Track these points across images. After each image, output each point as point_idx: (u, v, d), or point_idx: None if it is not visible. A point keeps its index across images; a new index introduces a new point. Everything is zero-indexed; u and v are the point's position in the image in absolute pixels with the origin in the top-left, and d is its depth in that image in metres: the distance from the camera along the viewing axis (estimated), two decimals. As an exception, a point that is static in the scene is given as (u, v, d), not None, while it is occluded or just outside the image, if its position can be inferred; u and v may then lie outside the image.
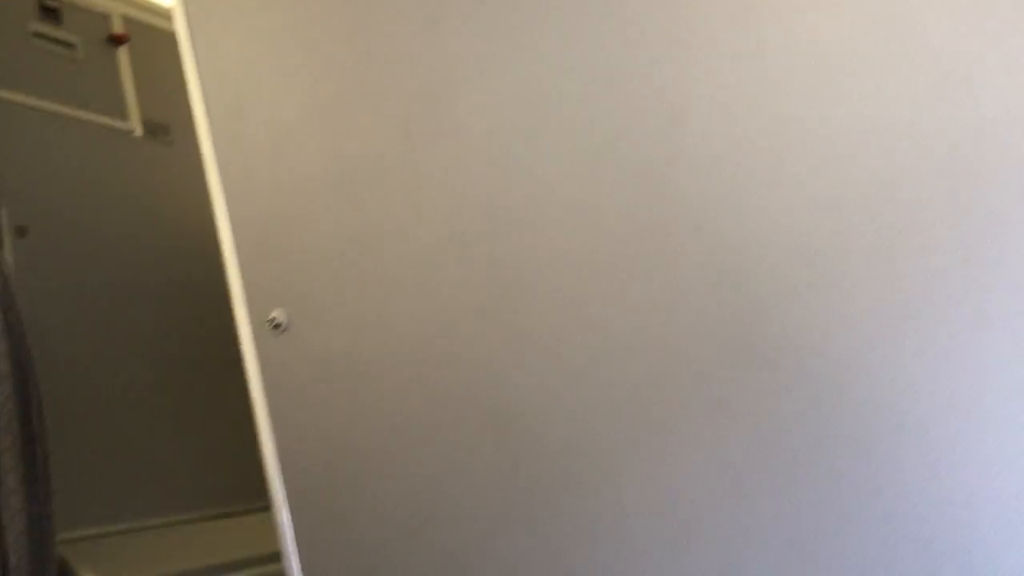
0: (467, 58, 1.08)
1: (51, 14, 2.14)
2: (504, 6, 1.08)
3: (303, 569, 1.19)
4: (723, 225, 0.90)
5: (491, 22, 1.08)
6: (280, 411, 1.14)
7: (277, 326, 1.12)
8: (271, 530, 1.50)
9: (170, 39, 2.44)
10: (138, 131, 2.27)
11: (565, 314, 1.00)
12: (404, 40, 1.14)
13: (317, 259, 1.12)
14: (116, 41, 2.27)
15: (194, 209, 2.30)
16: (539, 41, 1.04)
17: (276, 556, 1.17)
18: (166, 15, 2.46)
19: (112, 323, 2.04)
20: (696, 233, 0.92)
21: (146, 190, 2.24)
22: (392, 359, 1.07)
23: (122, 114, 2.24)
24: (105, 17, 2.28)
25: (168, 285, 2.21)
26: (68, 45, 2.17)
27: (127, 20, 2.33)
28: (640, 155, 0.95)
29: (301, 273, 1.12)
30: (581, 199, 1.00)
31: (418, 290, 1.07)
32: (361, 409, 1.09)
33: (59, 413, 1.87)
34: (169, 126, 2.35)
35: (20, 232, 1.92)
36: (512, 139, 1.03)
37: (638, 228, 0.96)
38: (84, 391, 1.94)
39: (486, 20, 1.08)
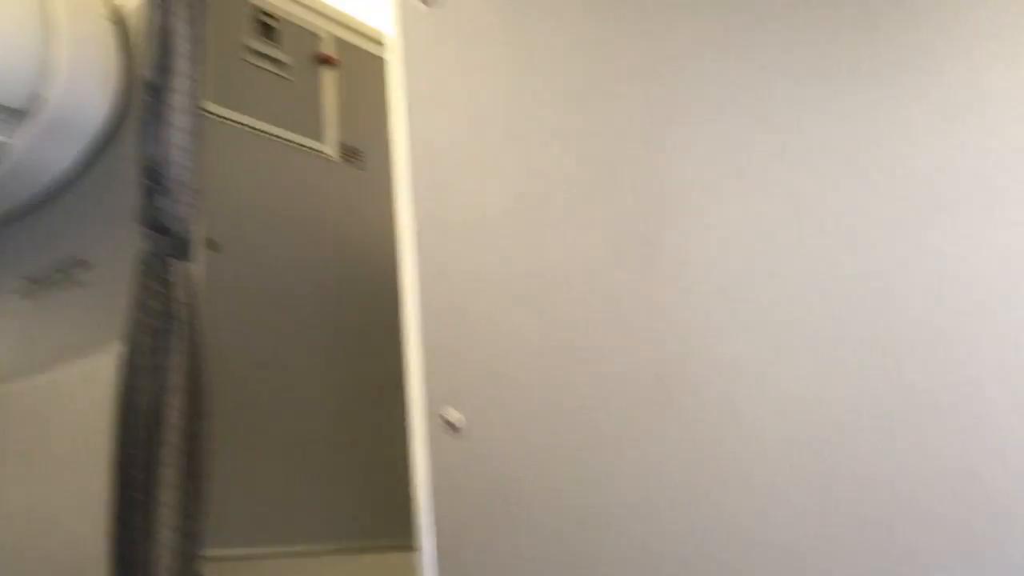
0: (691, 184, 0.98)
1: (267, 31, 2.18)
2: (743, 133, 0.97)
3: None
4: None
5: (723, 149, 0.97)
6: (445, 510, 1.07)
7: (450, 425, 1.05)
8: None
9: (375, 63, 2.45)
10: (333, 153, 2.28)
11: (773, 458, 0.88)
12: (627, 150, 1.06)
13: (500, 363, 1.05)
14: (324, 62, 2.30)
15: (381, 236, 2.30)
16: (778, 176, 0.92)
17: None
18: (376, 39, 2.47)
19: (289, 345, 2.05)
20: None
21: (336, 212, 2.25)
22: (572, 489, 0.98)
23: (320, 135, 2.26)
24: (317, 37, 2.31)
25: (346, 312, 2.21)
26: (279, 63, 2.20)
27: (337, 41, 2.36)
28: (898, 321, 0.82)
29: (482, 375, 1.05)
30: (814, 379, 0.88)
31: (602, 423, 0.98)
32: (532, 526, 1.01)
33: (222, 429, 1.89)
34: (363, 151, 2.36)
35: (212, 246, 1.96)
36: (730, 280, 0.92)
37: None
38: (250, 410, 1.96)
39: (718, 147, 0.98)
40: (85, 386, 1.92)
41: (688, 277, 0.96)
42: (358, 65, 2.41)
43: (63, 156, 2.07)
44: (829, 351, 0.86)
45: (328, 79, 2.31)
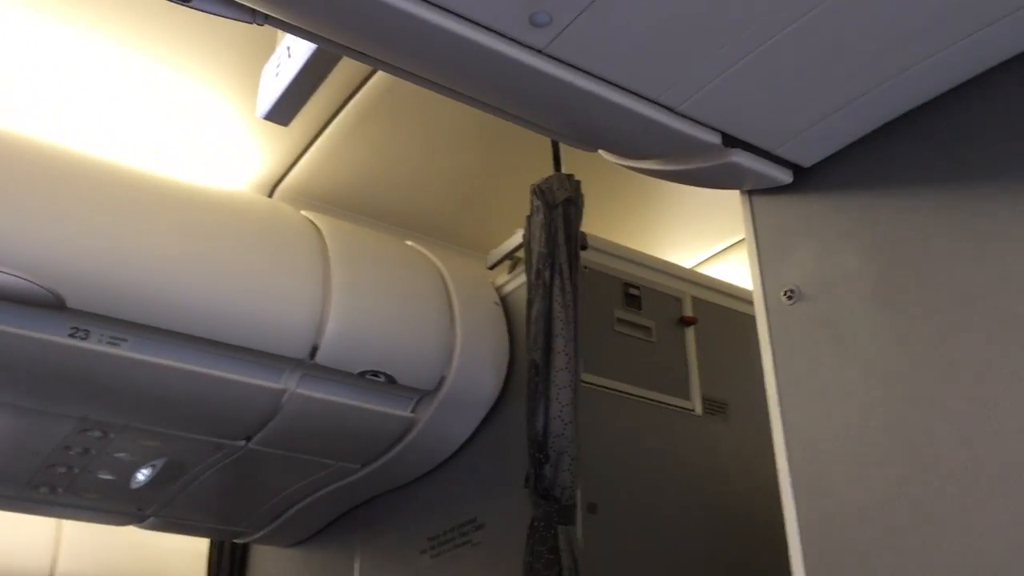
0: None
1: (633, 301, 2.36)
2: None
3: None
4: None
5: None
6: None
7: None
8: None
9: (731, 316, 2.54)
10: (698, 409, 2.35)
11: None
12: None
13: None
14: (685, 323, 2.42)
15: (750, 487, 2.29)
16: None
17: None
18: (729, 293, 2.57)
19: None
20: None
21: (704, 467, 2.29)
22: None
23: (684, 392, 2.35)
24: (678, 300, 2.45)
25: (720, 560, 2.20)
26: (644, 328, 2.35)
27: (696, 302, 2.48)
28: None
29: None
30: None
31: None
32: None
33: None
34: (727, 403, 2.40)
35: (591, 508, 2.06)
36: None
37: None
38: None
39: None
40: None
41: None
42: (715, 319, 2.51)
43: (460, 430, 2.32)
44: None
45: (690, 338, 2.42)
